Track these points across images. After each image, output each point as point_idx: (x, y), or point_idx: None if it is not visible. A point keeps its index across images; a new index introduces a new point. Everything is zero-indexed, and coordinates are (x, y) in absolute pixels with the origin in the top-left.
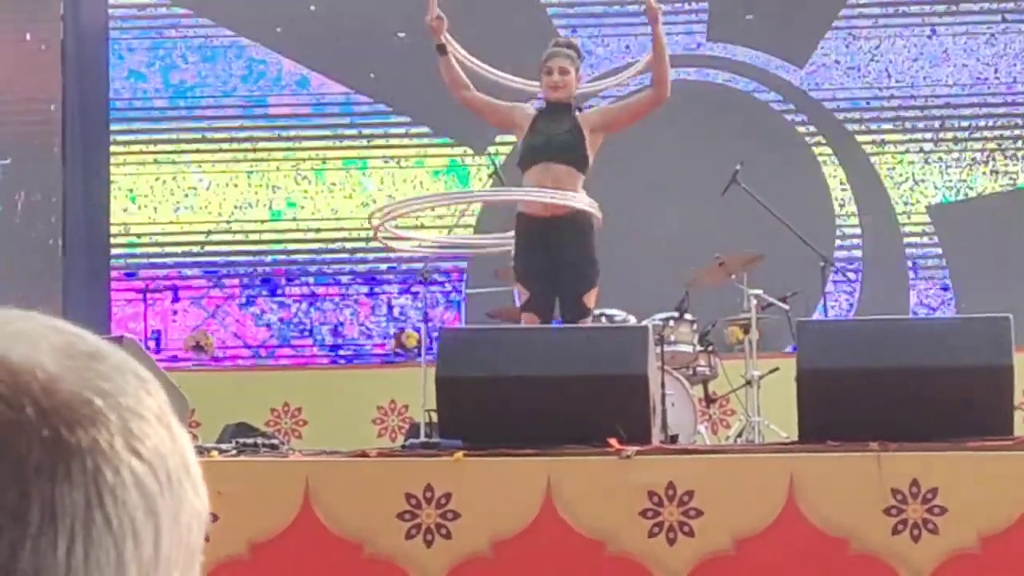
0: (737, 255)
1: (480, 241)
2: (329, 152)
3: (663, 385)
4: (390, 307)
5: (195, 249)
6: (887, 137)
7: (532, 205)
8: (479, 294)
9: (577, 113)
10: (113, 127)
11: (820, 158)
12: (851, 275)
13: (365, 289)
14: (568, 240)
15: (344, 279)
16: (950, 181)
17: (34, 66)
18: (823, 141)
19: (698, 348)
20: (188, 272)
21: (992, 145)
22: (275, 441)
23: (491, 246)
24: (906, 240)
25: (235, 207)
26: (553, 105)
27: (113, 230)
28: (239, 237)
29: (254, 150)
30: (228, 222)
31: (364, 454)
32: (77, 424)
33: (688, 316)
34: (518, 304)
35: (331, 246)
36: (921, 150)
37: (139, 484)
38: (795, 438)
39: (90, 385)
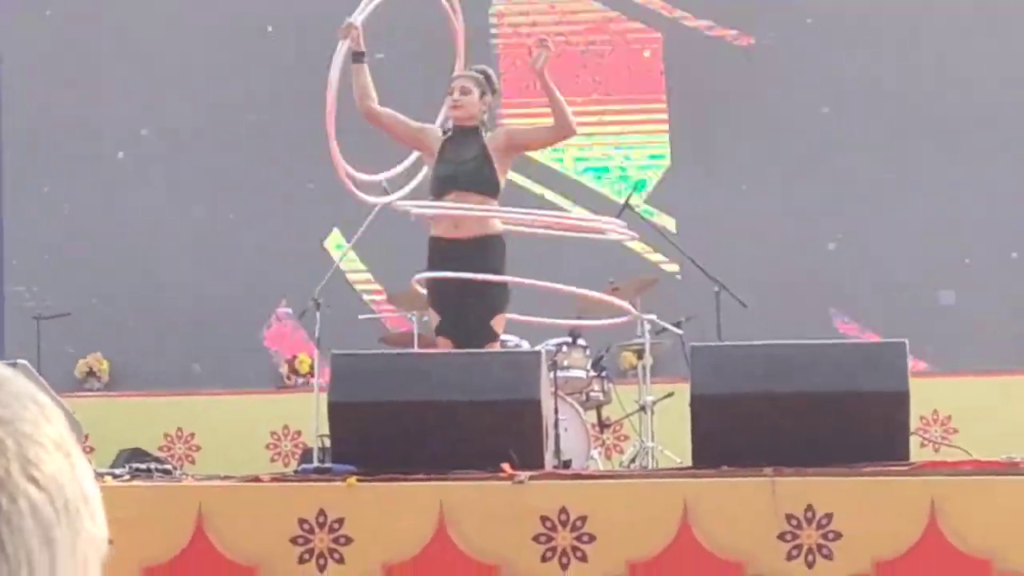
0: (631, 280)
1: None
2: None
3: (556, 410)
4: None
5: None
6: None
7: (442, 227)
8: (372, 320)
9: (485, 135)
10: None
11: None
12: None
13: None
14: (478, 263)
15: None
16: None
17: None
18: None
19: (591, 373)
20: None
21: None
22: (168, 466)
23: None
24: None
25: None
26: (459, 130)
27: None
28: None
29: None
30: None
31: (257, 479)
32: None
33: (581, 341)
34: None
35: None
36: None
37: (35, 512)
38: (689, 463)
39: None
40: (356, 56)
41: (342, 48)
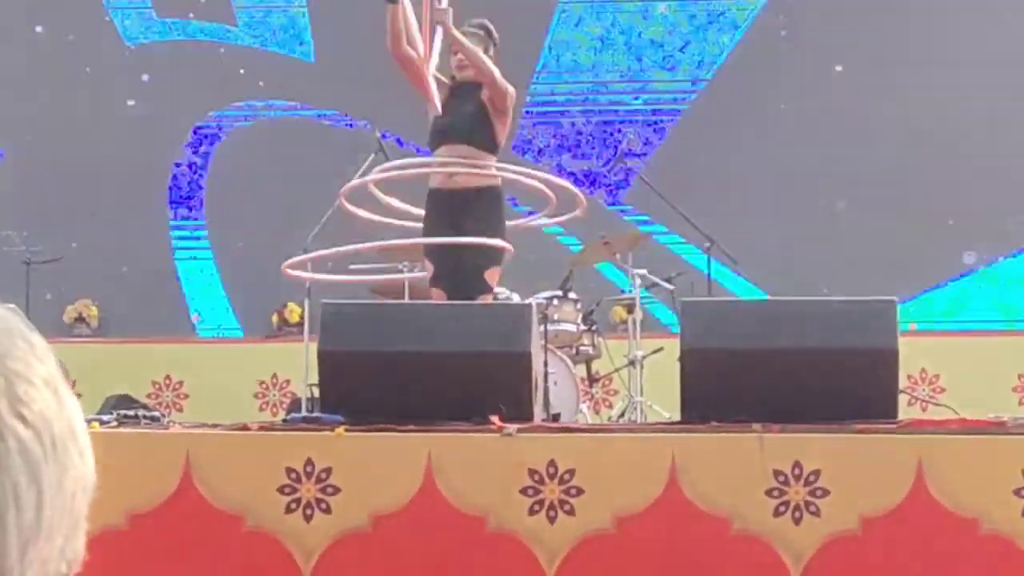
0: (622, 234)
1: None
2: None
3: (546, 364)
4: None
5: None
6: None
7: (437, 177)
8: (362, 271)
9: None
10: None
11: None
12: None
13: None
14: (474, 215)
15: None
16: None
17: None
18: None
19: (582, 327)
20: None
21: None
22: (156, 413)
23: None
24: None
25: None
26: (464, 85)
27: None
28: None
29: None
30: None
31: (245, 427)
32: None
33: (572, 295)
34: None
35: None
36: None
37: (23, 449)
38: (678, 419)
39: None
40: None
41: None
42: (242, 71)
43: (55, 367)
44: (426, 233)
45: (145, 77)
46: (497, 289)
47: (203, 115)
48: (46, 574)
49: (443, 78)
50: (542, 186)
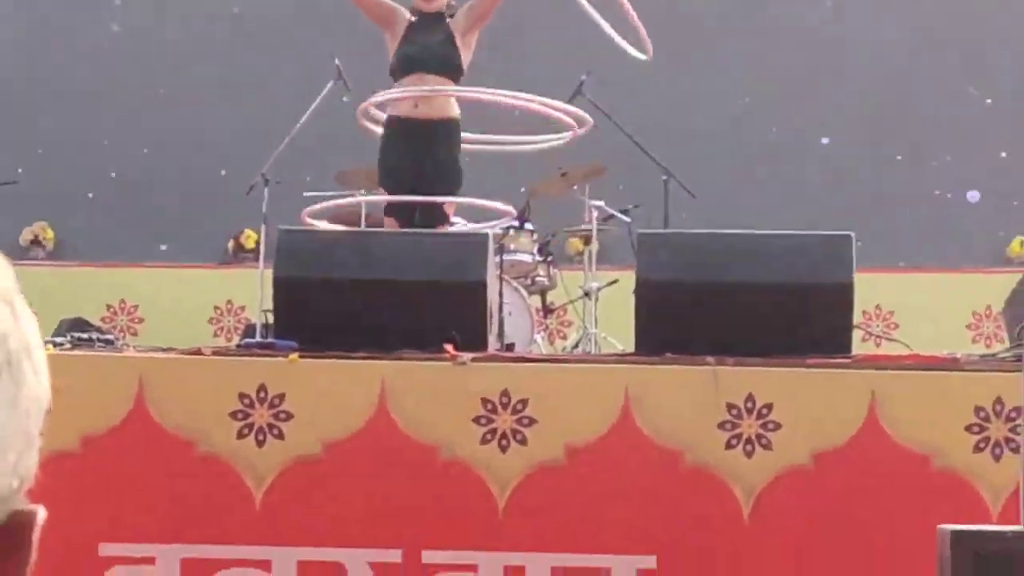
0: (580, 166)
1: None
2: None
3: (501, 294)
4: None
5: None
6: None
7: (401, 106)
8: (318, 198)
9: (449, 20)
10: None
11: None
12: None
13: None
14: (434, 145)
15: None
16: None
17: None
18: None
19: (537, 258)
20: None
21: None
22: (110, 336)
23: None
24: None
25: None
26: (426, 15)
27: None
28: None
29: None
30: None
31: (199, 352)
32: None
33: (528, 226)
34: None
35: None
36: None
37: None
38: (631, 352)
39: None
40: None
41: None
42: None
43: (12, 282)
44: (385, 160)
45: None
46: (454, 219)
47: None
48: None
49: (403, 12)
50: (548, 111)
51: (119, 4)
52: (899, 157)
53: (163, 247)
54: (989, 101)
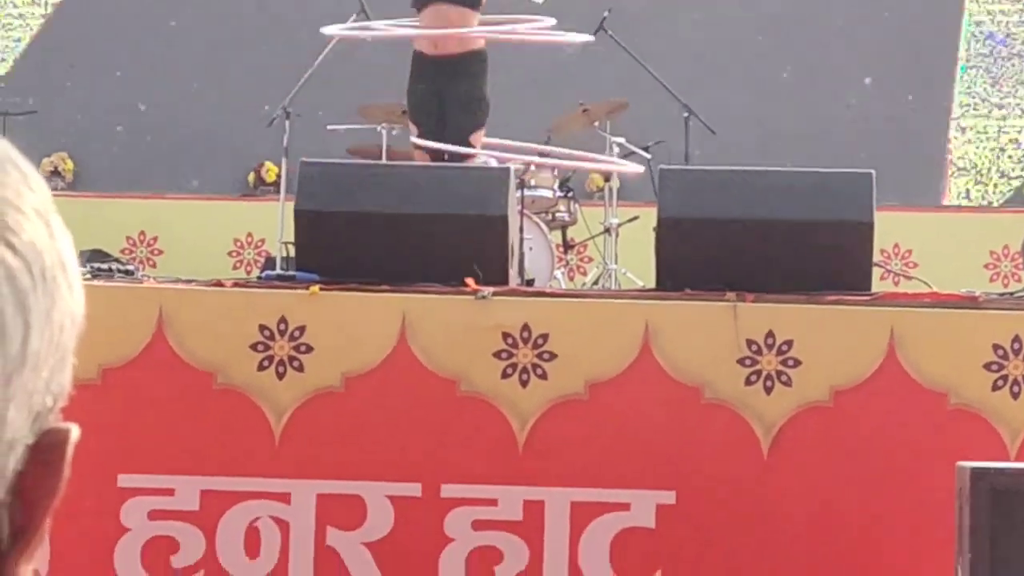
0: (601, 102)
1: None
2: None
3: (521, 229)
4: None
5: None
6: None
7: (423, 43)
8: (340, 131)
9: None
10: None
11: None
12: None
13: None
14: (458, 78)
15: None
16: None
17: None
18: None
19: (558, 194)
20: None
21: None
22: (130, 267)
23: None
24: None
25: None
26: None
27: None
28: None
29: None
30: None
31: (219, 284)
32: None
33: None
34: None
35: None
36: None
37: (11, 278)
38: (652, 287)
39: None
40: None
41: None
42: None
43: (48, 197)
44: (411, 97)
45: None
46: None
47: None
48: (31, 405)
49: None
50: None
51: None
52: (910, 97)
53: (183, 179)
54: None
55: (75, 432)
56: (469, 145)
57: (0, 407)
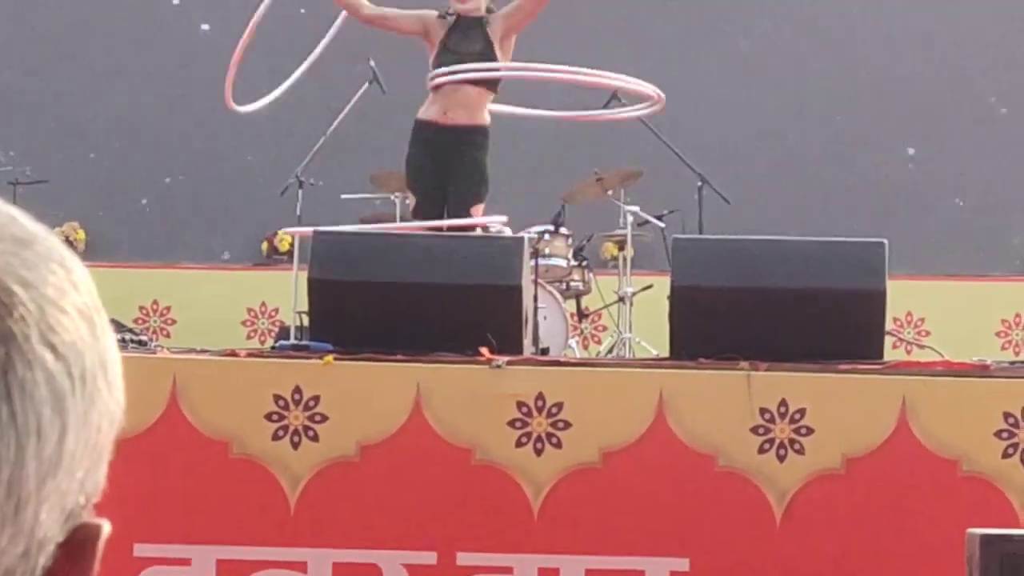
0: (615, 170)
1: None
2: None
3: (536, 298)
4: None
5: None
6: None
7: (432, 112)
8: (354, 199)
9: (487, 24)
10: None
11: None
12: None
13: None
14: (462, 150)
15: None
16: None
17: None
18: None
19: (572, 263)
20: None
21: None
22: (144, 338)
23: None
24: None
25: None
26: (464, 20)
27: None
28: None
29: None
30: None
31: (234, 353)
32: None
33: (564, 230)
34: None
35: None
36: None
37: (50, 380)
38: (666, 356)
39: (12, 272)
40: None
41: None
42: None
43: (92, 295)
44: (412, 164)
45: None
46: (489, 222)
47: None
48: (64, 505)
49: (443, 14)
50: (623, 84)
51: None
52: (930, 165)
53: (197, 249)
54: (1004, 111)
55: (106, 528)
56: (469, 218)
57: (33, 508)
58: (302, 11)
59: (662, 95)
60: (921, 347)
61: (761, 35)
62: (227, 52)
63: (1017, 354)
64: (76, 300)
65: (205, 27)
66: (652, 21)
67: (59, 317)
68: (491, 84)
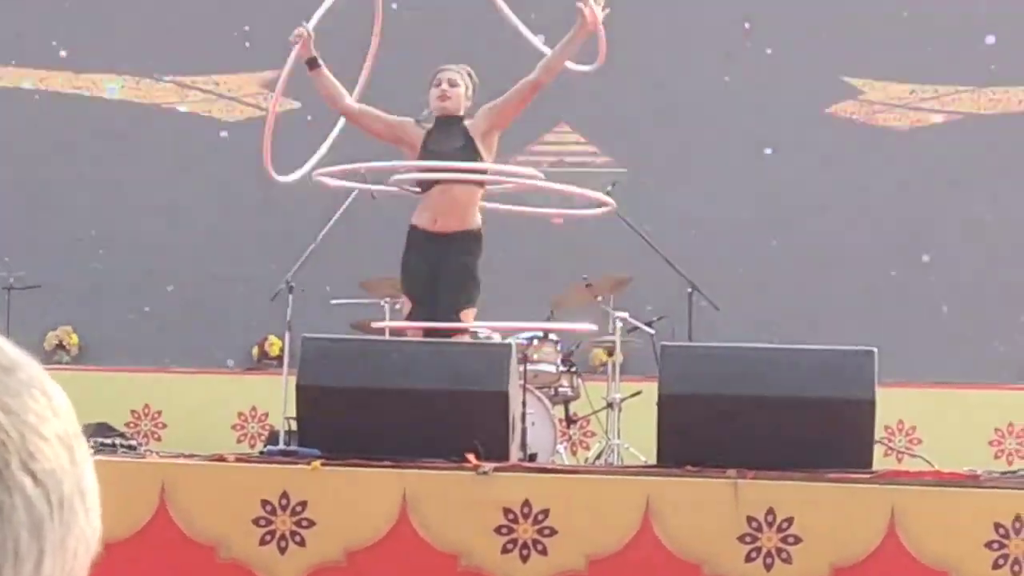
0: (604, 277)
1: None
2: None
3: (524, 404)
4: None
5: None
6: None
7: (422, 218)
8: (344, 305)
9: (467, 123)
10: None
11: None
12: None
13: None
14: (452, 256)
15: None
16: None
17: None
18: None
19: (561, 369)
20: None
21: None
22: (133, 442)
23: None
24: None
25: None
26: (444, 120)
27: None
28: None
29: None
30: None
31: (222, 458)
32: None
33: (552, 336)
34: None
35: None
36: None
37: (29, 506)
38: (654, 462)
39: None
40: (310, 63)
41: (293, 55)
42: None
43: (72, 421)
44: (406, 269)
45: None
46: (478, 328)
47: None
48: None
49: (421, 123)
50: (579, 191)
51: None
52: (921, 273)
53: (187, 353)
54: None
55: None
56: (460, 323)
57: None
58: (309, 118)
59: (612, 203)
60: (912, 456)
61: (743, 149)
62: (218, 163)
63: (1010, 463)
64: (56, 427)
65: (224, 133)
66: (650, 135)
67: (39, 444)
68: (475, 181)
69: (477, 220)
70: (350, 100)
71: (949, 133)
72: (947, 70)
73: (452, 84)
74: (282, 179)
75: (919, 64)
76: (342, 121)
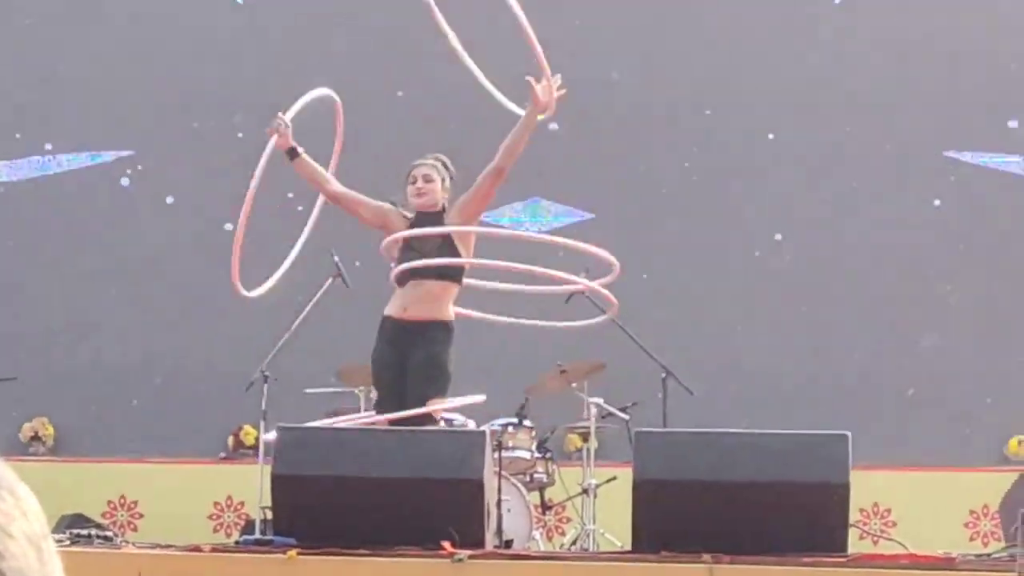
0: (579, 363)
1: None
2: None
3: (499, 490)
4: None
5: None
6: None
7: (393, 308)
8: (318, 394)
9: (446, 219)
10: None
11: None
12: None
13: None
14: (420, 345)
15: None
16: None
17: None
18: None
19: (536, 455)
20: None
21: None
22: (109, 533)
23: None
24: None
25: None
26: (423, 216)
27: None
28: None
29: None
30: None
31: (197, 549)
32: None
33: (527, 422)
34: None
35: None
36: None
37: None
38: (630, 548)
39: None
40: (290, 153)
41: (270, 145)
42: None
43: (41, 522)
44: (375, 359)
45: (125, 182)
46: (452, 415)
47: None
48: None
49: (403, 212)
50: (586, 247)
51: (127, 188)
52: (893, 354)
53: (163, 443)
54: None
55: None
56: (429, 416)
57: None
58: (289, 195)
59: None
60: (888, 540)
61: (719, 235)
62: (184, 252)
63: (986, 545)
64: (25, 527)
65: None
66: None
67: (7, 543)
68: (454, 278)
69: (449, 313)
70: (334, 184)
71: (907, 203)
72: None
73: (427, 180)
74: (249, 294)
75: None
76: (307, 231)
